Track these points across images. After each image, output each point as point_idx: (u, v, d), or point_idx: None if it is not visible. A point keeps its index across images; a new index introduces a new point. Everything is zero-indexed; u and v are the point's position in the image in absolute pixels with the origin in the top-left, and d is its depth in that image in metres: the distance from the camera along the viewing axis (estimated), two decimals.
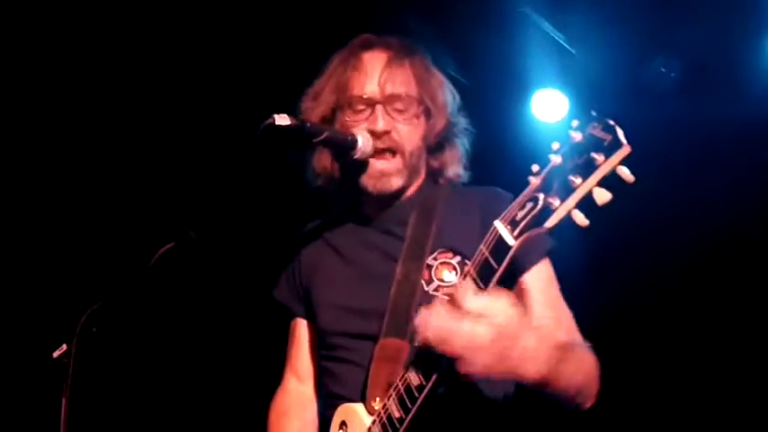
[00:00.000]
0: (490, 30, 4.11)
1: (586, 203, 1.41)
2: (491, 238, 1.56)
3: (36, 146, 4.26)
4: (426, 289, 1.96)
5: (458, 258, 1.98)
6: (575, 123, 1.43)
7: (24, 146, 4.24)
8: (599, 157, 1.38)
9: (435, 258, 1.99)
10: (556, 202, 1.43)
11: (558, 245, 1.98)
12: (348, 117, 2.08)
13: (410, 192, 2.16)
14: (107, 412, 4.18)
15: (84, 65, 4.08)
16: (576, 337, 1.92)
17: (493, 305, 1.54)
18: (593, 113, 1.41)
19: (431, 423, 1.72)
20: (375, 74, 2.07)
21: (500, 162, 4.17)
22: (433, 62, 2.22)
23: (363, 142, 2.02)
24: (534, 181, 1.49)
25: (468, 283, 1.57)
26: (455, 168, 2.18)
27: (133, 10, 3.85)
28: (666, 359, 4.54)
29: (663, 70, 4.16)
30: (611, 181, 1.38)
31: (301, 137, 1.94)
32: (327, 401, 2.08)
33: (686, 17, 3.90)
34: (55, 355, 1.94)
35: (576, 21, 4.10)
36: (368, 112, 2.06)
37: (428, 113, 2.12)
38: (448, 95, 2.17)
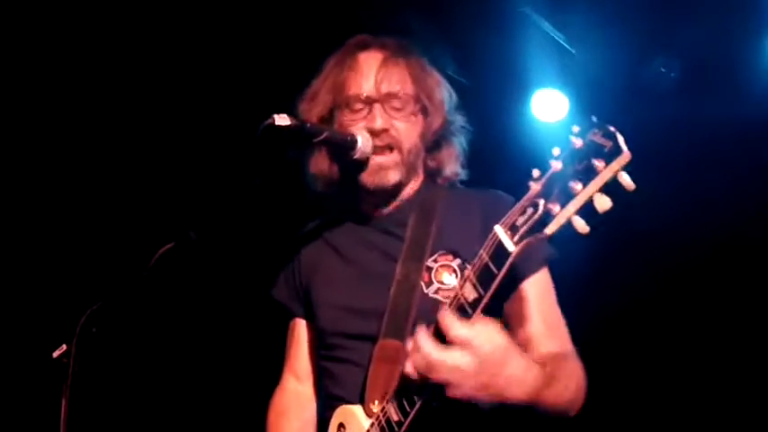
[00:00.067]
0: (490, 30, 4.11)
1: (587, 210, 1.41)
2: (491, 244, 1.57)
3: (36, 146, 4.26)
4: (426, 291, 1.96)
5: (458, 261, 1.98)
6: (575, 129, 1.43)
7: (24, 146, 4.23)
8: (599, 164, 1.37)
9: (435, 261, 1.99)
10: (556, 208, 1.43)
11: (557, 253, 1.99)
12: (346, 117, 2.08)
13: (409, 192, 2.16)
14: (107, 412, 4.18)
15: (85, 65, 4.08)
16: (568, 347, 1.95)
17: (478, 334, 1.57)
18: (594, 119, 1.41)
19: (429, 426, 1.72)
20: (371, 73, 2.08)
21: (500, 162, 4.18)
22: (432, 62, 2.23)
23: (363, 142, 2.02)
24: (534, 186, 1.48)
25: (453, 312, 1.60)
26: (453, 167, 2.19)
27: (133, 10, 3.85)
28: (666, 359, 4.54)
29: (663, 70, 4.16)
30: (611, 187, 1.38)
31: (301, 137, 1.94)
32: (326, 402, 2.08)
33: (686, 17, 3.89)
34: (55, 355, 1.94)
35: (576, 21, 4.10)
36: (365, 111, 2.07)
37: (425, 111, 2.12)
38: (445, 94, 2.18)
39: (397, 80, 2.08)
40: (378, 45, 2.15)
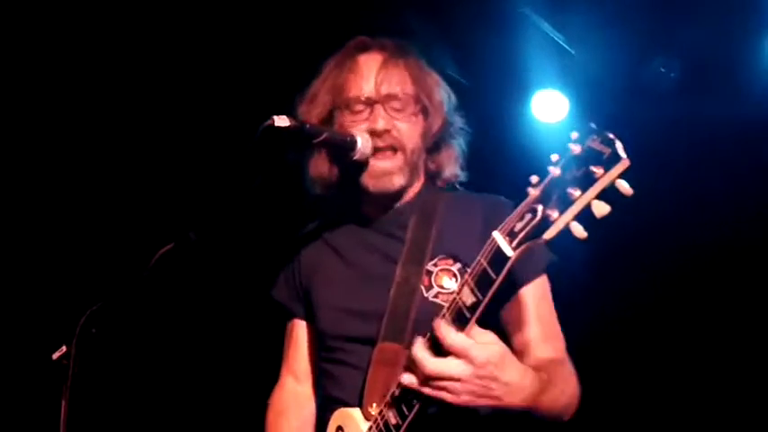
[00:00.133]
0: (490, 30, 4.11)
1: (585, 216, 1.42)
2: (489, 249, 1.58)
3: (36, 147, 4.26)
4: (426, 295, 1.96)
5: (458, 265, 1.98)
6: (574, 135, 1.43)
7: (24, 147, 4.23)
8: (598, 170, 1.38)
9: (435, 265, 2.00)
10: (554, 214, 1.44)
11: (557, 258, 2.00)
12: (347, 118, 2.08)
13: (410, 194, 2.16)
14: (107, 413, 4.18)
15: (85, 66, 4.08)
16: (562, 354, 1.97)
17: (473, 342, 1.60)
18: (593, 126, 1.41)
19: (427, 430, 1.73)
20: (371, 75, 2.08)
21: (500, 162, 4.18)
22: (432, 62, 2.23)
23: (363, 143, 2.02)
24: (533, 192, 1.49)
25: (451, 316, 1.62)
26: (452, 169, 2.19)
27: (133, 10, 3.85)
28: (666, 360, 4.54)
29: (662, 70, 4.16)
30: (609, 194, 1.39)
31: (301, 138, 1.94)
32: (325, 403, 2.08)
33: (686, 17, 3.89)
34: (54, 356, 1.94)
35: (576, 21, 4.10)
36: (366, 112, 2.07)
37: (425, 112, 2.13)
38: (444, 95, 2.18)
39: (398, 81, 2.08)
40: (377, 46, 2.15)
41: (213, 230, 2.00)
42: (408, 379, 1.67)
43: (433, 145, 2.16)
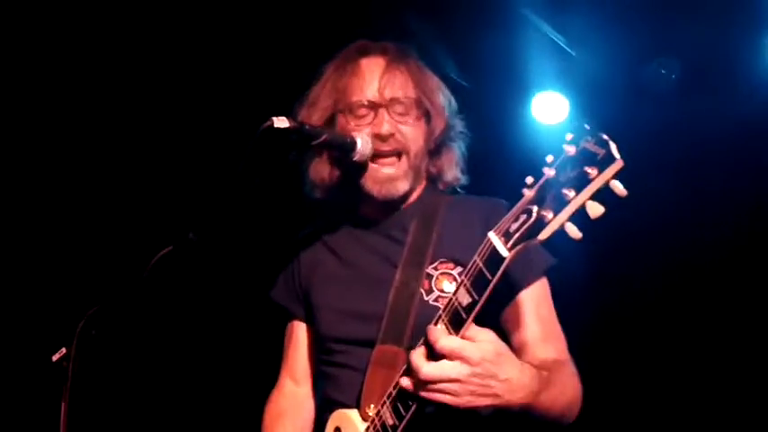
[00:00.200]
0: (490, 32, 4.11)
1: (580, 216, 1.42)
2: (485, 250, 1.58)
3: (35, 149, 4.26)
4: (426, 299, 1.96)
5: (458, 269, 1.98)
6: (569, 137, 1.44)
7: (24, 148, 4.24)
8: (592, 171, 1.39)
9: (436, 268, 2.00)
10: (549, 214, 1.45)
11: (556, 260, 2.01)
12: (350, 122, 2.08)
13: (411, 198, 2.17)
14: (107, 415, 4.18)
15: (85, 67, 4.08)
16: (565, 355, 1.97)
17: (466, 343, 1.60)
18: (587, 127, 1.42)
19: (425, 430, 1.73)
20: (375, 79, 2.08)
21: (500, 164, 4.17)
22: (432, 64, 2.23)
23: (362, 144, 2.03)
24: (528, 193, 1.50)
25: (447, 316, 1.63)
26: (453, 172, 2.20)
27: (134, 11, 3.85)
28: (666, 360, 4.54)
29: (662, 72, 4.16)
30: (604, 195, 1.40)
31: (300, 139, 1.94)
32: (324, 405, 2.08)
33: (686, 18, 3.89)
34: (54, 358, 1.94)
35: (576, 23, 4.10)
36: (370, 116, 2.07)
37: (428, 116, 2.13)
38: (444, 97, 2.19)
39: (401, 85, 2.09)
40: (379, 50, 2.15)
41: (213, 232, 1.99)
42: (406, 382, 1.67)
43: (435, 148, 2.17)
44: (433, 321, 1.68)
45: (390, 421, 1.76)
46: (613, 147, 1.38)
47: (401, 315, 1.94)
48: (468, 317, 1.60)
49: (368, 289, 2.05)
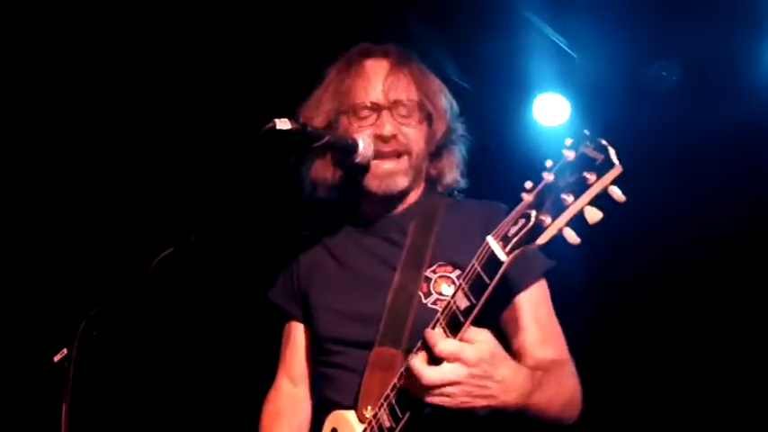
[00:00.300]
0: (492, 34, 4.11)
1: (578, 221, 1.43)
2: (483, 253, 1.60)
3: (36, 150, 4.26)
4: (425, 302, 1.97)
5: (457, 273, 1.99)
6: (568, 142, 1.44)
7: (24, 150, 4.24)
8: (591, 177, 1.39)
9: (434, 271, 2.01)
10: (547, 219, 1.46)
11: (555, 263, 2.02)
12: (353, 123, 2.09)
13: (410, 200, 2.17)
14: (108, 416, 4.18)
15: (87, 70, 4.08)
16: (564, 356, 1.98)
17: (464, 346, 1.61)
18: (587, 132, 1.42)
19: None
20: (378, 81, 2.09)
21: (501, 165, 4.17)
22: (434, 66, 2.24)
23: (365, 146, 2.03)
24: (527, 198, 1.51)
25: (445, 319, 1.64)
26: (453, 175, 2.21)
27: (135, 12, 3.86)
28: (666, 360, 4.54)
29: (664, 74, 4.16)
30: (603, 200, 1.40)
31: (302, 141, 1.94)
32: (322, 406, 2.09)
33: (687, 21, 3.89)
34: (55, 359, 1.94)
35: (578, 25, 4.10)
36: (373, 117, 2.08)
37: (429, 118, 2.14)
38: (446, 101, 2.20)
39: (404, 88, 2.10)
40: (382, 53, 2.16)
41: (214, 233, 2.00)
42: (405, 385, 1.69)
43: (436, 151, 2.18)
44: (431, 325, 1.69)
45: (387, 424, 1.77)
46: (612, 152, 1.38)
47: (399, 317, 1.95)
48: (465, 320, 1.61)
49: (366, 291, 2.06)
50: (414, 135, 2.09)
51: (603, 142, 1.40)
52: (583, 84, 4.27)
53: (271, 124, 1.86)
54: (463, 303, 1.61)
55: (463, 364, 1.61)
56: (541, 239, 1.47)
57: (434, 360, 1.64)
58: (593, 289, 4.39)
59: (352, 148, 2.02)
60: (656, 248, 4.51)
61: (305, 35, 3.95)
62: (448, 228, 2.08)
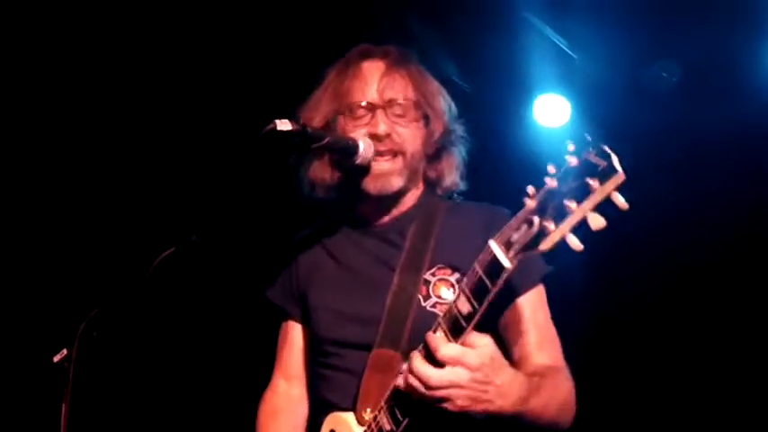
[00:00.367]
0: (492, 35, 4.11)
1: (581, 228, 1.43)
2: (486, 258, 1.59)
3: (36, 151, 4.26)
4: (424, 305, 1.97)
5: (456, 276, 1.99)
6: (571, 147, 1.44)
7: (24, 150, 4.24)
8: (594, 183, 1.39)
9: (434, 274, 2.01)
10: (551, 225, 1.45)
11: (553, 267, 2.02)
12: (348, 123, 2.10)
13: (410, 202, 2.17)
14: (107, 417, 4.17)
15: (87, 70, 4.08)
16: (559, 362, 1.99)
17: (466, 350, 1.62)
18: (589, 138, 1.42)
19: None
20: (374, 81, 2.10)
21: (502, 166, 4.18)
22: (434, 68, 2.24)
23: (365, 147, 2.03)
24: (529, 203, 1.50)
25: (447, 323, 1.65)
26: (452, 177, 2.20)
27: (136, 13, 3.86)
28: (666, 361, 4.54)
29: (664, 75, 4.16)
30: (606, 207, 1.40)
31: (302, 142, 1.94)
32: (319, 407, 2.10)
33: (687, 22, 3.89)
34: (55, 359, 1.93)
35: (578, 26, 4.10)
36: (368, 117, 2.08)
37: (427, 119, 2.14)
38: (444, 101, 2.20)
39: (400, 87, 2.10)
40: (380, 54, 2.17)
41: (215, 233, 2.00)
42: (406, 387, 1.69)
43: (434, 153, 2.17)
44: (432, 328, 1.69)
45: (387, 426, 1.78)
46: (615, 159, 1.39)
47: (398, 320, 1.95)
48: (467, 325, 1.62)
49: (365, 292, 2.06)
50: (409, 135, 2.09)
51: (606, 148, 1.40)
52: (583, 84, 4.27)
53: (271, 125, 1.86)
54: (465, 308, 1.62)
55: (465, 369, 1.62)
56: (544, 245, 1.47)
57: (435, 363, 1.64)
58: (592, 290, 4.39)
59: (353, 149, 2.02)
60: (656, 249, 4.51)
61: (306, 36, 3.95)
62: (447, 231, 2.08)
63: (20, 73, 4.00)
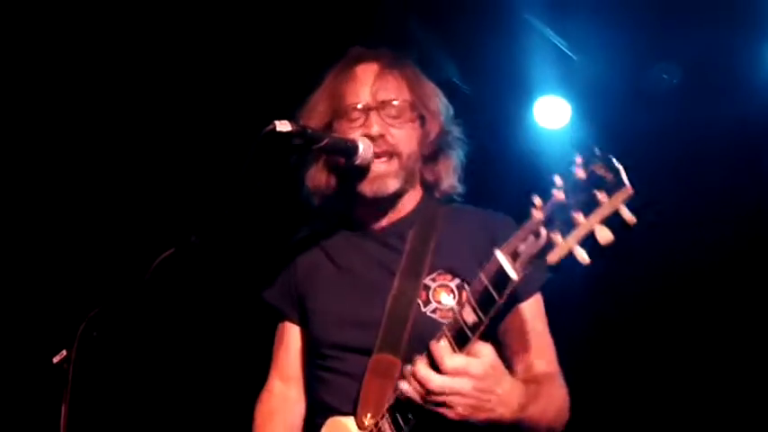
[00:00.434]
0: (492, 36, 4.11)
1: (588, 240, 1.43)
2: (492, 268, 1.59)
3: (36, 151, 4.26)
4: (423, 310, 1.97)
5: (456, 281, 2.00)
6: (579, 160, 1.44)
7: (24, 151, 4.24)
8: (601, 196, 1.39)
9: (434, 280, 2.01)
10: (558, 237, 1.46)
11: (552, 277, 2.03)
12: (344, 125, 2.10)
13: (408, 206, 2.17)
14: (107, 418, 4.17)
15: (88, 71, 4.08)
16: (554, 368, 2.03)
17: (471, 360, 1.64)
18: (597, 152, 1.41)
19: None
20: (368, 83, 2.11)
21: (502, 168, 4.18)
22: (434, 69, 2.24)
23: (364, 148, 2.03)
24: (536, 214, 1.50)
25: (451, 333, 1.66)
26: (450, 180, 2.20)
27: (137, 14, 3.86)
28: (666, 361, 4.54)
29: (664, 76, 4.16)
30: (613, 221, 1.40)
31: (302, 143, 1.94)
32: (316, 409, 2.09)
33: (687, 24, 3.90)
34: (55, 360, 1.93)
35: (578, 27, 4.10)
36: (362, 119, 2.09)
37: (422, 120, 2.14)
38: (440, 103, 2.20)
39: (393, 89, 2.11)
40: (373, 56, 2.18)
41: (215, 234, 1.99)
42: (409, 391, 1.70)
43: (431, 155, 2.17)
44: (437, 337, 1.69)
45: None
46: (623, 172, 1.38)
47: (398, 324, 1.96)
48: (473, 335, 1.64)
49: (365, 296, 2.06)
50: (403, 136, 2.09)
51: (615, 162, 1.39)
52: (583, 86, 4.27)
53: (271, 126, 1.85)
54: (471, 318, 1.63)
55: (470, 379, 1.64)
56: (552, 258, 1.47)
57: (439, 371, 1.66)
58: (591, 290, 4.39)
59: (353, 149, 2.02)
60: (656, 250, 4.51)
61: (306, 38, 3.95)
62: (447, 236, 2.08)
63: (20, 73, 3.99)
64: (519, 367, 1.97)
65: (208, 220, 1.98)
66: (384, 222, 2.16)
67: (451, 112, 2.22)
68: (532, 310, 2.04)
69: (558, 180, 1.46)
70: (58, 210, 4.38)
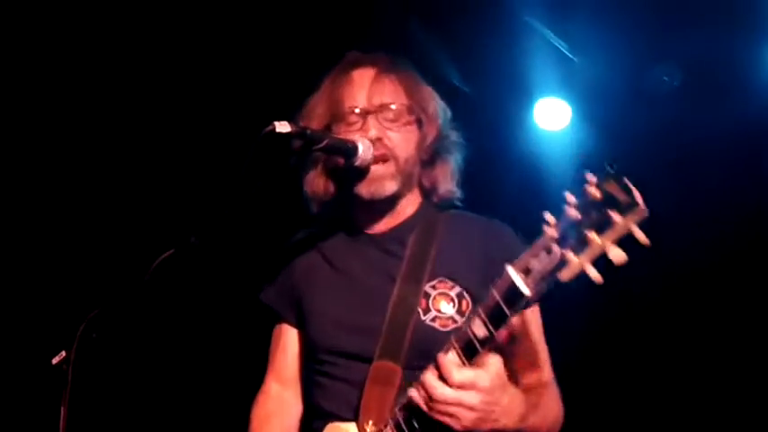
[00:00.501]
0: (492, 38, 4.11)
1: (601, 259, 1.44)
2: (503, 284, 1.60)
3: (36, 152, 4.26)
4: (423, 318, 1.97)
5: (456, 289, 2.00)
6: (592, 179, 1.43)
7: (24, 152, 4.23)
8: (615, 216, 1.39)
9: (434, 287, 2.01)
10: (571, 255, 1.46)
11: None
12: (341, 130, 2.10)
13: (409, 211, 2.17)
14: (106, 419, 4.17)
15: (88, 71, 4.08)
16: (549, 375, 2.07)
17: (479, 374, 1.67)
18: (611, 170, 1.41)
19: None
20: (364, 87, 2.10)
21: (502, 170, 4.18)
22: (434, 71, 2.24)
23: (364, 149, 2.02)
24: (549, 231, 1.50)
25: (460, 345, 1.68)
26: (448, 185, 2.19)
27: (138, 14, 3.86)
28: (666, 361, 4.53)
29: (665, 78, 4.16)
30: (626, 242, 1.41)
31: (302, 144, 1.94)
32: (314, 413, 2.09)
33: (688, 25, 3.90)
34: (54, 361, 1.93)
35: (579, 29, 4.11)
36: (360, 122, 2.08)
37: (420, 123, 2.14)
38: (438, 107, 2.19)
39: (390, 92, 2.11)
40: (369, 61, 2.18)
41: (214, 235, 1.99)
42: (415, 403, 1.72)
43: (429, 159, 2.17)
44: (445, 348, 1.71)
45: None
46: (637, 194, 1.39)
47: (399, 332, 1.96)
48: (483, 349, 1.65)
49: (364, 301, 2.05)
50: (400, 139, 2.08)
51: (628, 183, 1.40)
52: (584, 88, 4.27)
53: (270, 127, 1.85)
54: (481, 332, 1.64)
55: (479, 392, 1.66)
56: (565, 275, 1.47)
57: (446, 382, 1.68)
58: (591, 290, 4.37)
59: (352, 150, 2.01)
60: (656, 251, 4.49)
61: (307, 39, 3.95)
62: (447, 242, 2.08)
63: (20, 74, 3.99)
64: (519, 376, 1.98)
65: (207, 220, 1.97)
66: (383, 226, 2.16)
67: (449, 115, 2.21)
68: (532, 320, 2.06)
69: (570, 198, 1.46)
70: (57, 210, 4.38)
